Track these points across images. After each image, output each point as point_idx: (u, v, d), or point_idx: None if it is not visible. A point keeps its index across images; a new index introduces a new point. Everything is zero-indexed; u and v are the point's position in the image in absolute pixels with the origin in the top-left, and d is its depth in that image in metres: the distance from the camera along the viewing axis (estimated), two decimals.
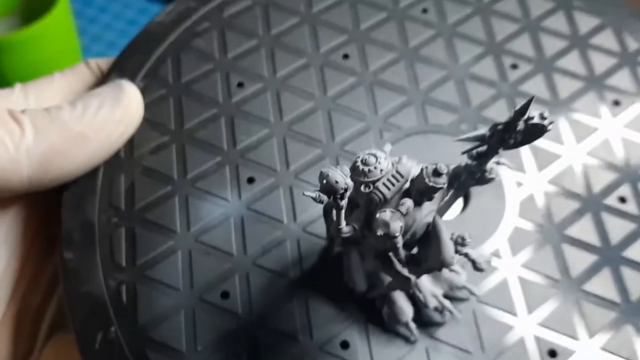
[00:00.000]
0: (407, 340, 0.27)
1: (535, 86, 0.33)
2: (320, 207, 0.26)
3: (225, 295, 0.27)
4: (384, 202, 0.21)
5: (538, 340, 0.27)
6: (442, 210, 0.24)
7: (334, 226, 0.22)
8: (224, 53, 0.33)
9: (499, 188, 0.30)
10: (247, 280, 0.27)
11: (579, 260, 0.28)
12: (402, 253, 0.22)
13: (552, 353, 0.27)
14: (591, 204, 0.30)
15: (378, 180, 0.21)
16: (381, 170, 0.21)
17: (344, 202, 0.21)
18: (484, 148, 0.22)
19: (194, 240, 0.28)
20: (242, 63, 0.32)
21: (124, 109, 0.28)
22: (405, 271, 0.23)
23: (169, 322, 0.26)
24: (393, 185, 0.21)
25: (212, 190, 0.29)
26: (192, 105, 0.31)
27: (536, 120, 0.20)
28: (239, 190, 0.29)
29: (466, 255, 0.24)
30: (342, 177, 0.20)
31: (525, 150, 0.31)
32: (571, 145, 0.31)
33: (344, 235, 0.22)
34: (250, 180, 0.30)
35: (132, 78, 0.31)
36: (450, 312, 0.26)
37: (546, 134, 0.20)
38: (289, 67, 0.32)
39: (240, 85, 0.32)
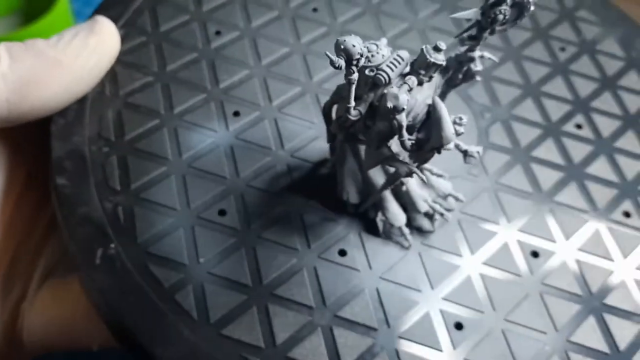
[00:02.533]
0: (402, 246, 0.28)
1: None
2: (306, 134, 0.27)
3: (222, 212, 0.28)
4: (389, 84, 0.23)
5: (521, 243, 0.29)
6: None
7: (343, 108, 0.23)
8: (199, 6, 0.34)
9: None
10: (242, 200, 0.28)
11: (549, 177, 0.31)
12: (406, 135, 0.24)
13: (535, 254, 0.28)
14: (551, 130, 0.32)
15: (381, 64, 0.23)
16: (383, 56, 0.23)
17: (355, 76, 0.22)
18: (474, 32, 0.24)
19: (187, 166, 0.29)
20: (217, 14, 0.34)
21: (97, 37, 0.29)
22: (407, 158, 0.24)
23: (169, 238, 0.27)
24: (396, 67, 0.23)
25: (199, 123, 0.30)
26: (173, 51, 0.32)
27: None
28: (225, 122, 0.30)
29: (457, 146, 0.26)
30: (358, 42, 0.22)
31: None
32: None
33: (352, 117, 0.24)
34: (236, 114, 0.30)
35: None
36: (441, 214, 0.28)
37: None
38: (263, 19, 0.34)
39: (217, 33, 0.33)
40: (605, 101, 0.34)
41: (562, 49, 0.36)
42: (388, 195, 0.27)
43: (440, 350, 0.26)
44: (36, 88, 0.27)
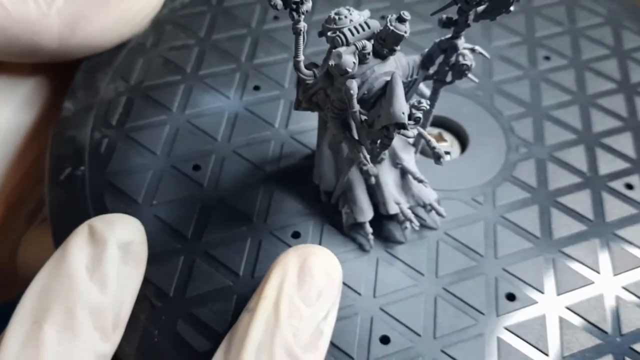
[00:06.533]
0: (361, 247, 0.25)
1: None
2: (314, 121, 0.26)
3: (197, 167, 0.27)
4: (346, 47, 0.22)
5: (498, 282, 0.25)
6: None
7: (294, 61, 0.22)
8: None
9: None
10: (221, 162, 0.28)
11: (566, 226, 0.27)
12: (357, 106, 0.22)
13: (511, 297, 0.25)
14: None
15: (343, 27, 0.22)
16: (350, 21, 0.22)
17: (301, 25, 0.21)
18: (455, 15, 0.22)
19: (185, 120, 0.29)
20: None
21: None
22: (360, 133, 0.23)
23: (135, 176, 0.27)
24: (358, 32, 0.22)
25: (217, 87, 0.30)
26: (225, 23, 0.33)
27: None
28: (242, 92, 0.30)
29: (428, 143, 0.23)
30: None
31: None
32: None
33: (302, 75, 0.22)
34: (256, 88, 0.30)
35: None
36: (411, 221, 0.25)
37: None
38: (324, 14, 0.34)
39: (275, 18, 0.33)
40: None
41: None
42: (359, 188, 0.25)
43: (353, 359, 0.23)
44: (86, 24, 0.29)
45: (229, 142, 0.28)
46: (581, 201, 0.27)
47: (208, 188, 0.27)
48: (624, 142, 0.30)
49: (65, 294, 0.21)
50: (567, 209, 0.27)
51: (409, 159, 0.26)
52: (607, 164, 0.29)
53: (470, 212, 0.27)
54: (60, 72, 0.31)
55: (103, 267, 0.22)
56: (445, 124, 0.30)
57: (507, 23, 0.34)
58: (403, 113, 0.21)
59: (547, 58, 0.33)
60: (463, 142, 0.30)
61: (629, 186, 0.28)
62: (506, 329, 0.24)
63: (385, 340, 0.23)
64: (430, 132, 0.30)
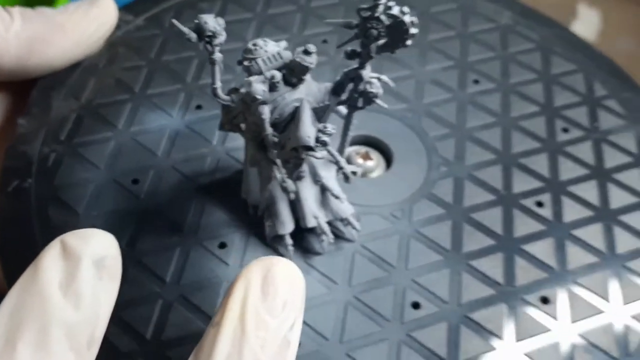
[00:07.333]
0: (282, 257, 0.28)
1: None
2: None
3: (135, 181, 0.30)
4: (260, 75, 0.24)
5: (406, 293, 0.27)
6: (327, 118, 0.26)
7: (212, 88, 0.25)
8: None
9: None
10: (160, 177, 0.30)
11: (477, 242, 0.29)
12: (270, 129, 0.24)
13: (416, 305, 0.27)
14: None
15: (257, 58, 0.24)
16: (265, 52, 0.24)
17: (216, 56, 0.24)
18: (358, 47, 0.24)
19: (129, 137, 0.31)
20: (232, 27, 0.37)
21: (98, 9, 0.33)
22: (273, 153, 0.25)
23: (77, 189, 0.29)
24: (271, 62, 0.24)
25: (162, 106, 0.33)
26: (175, 46, 0.35)
27: (395, 12, 0.22)
28: (185, 111, 0.32)
29: (337, 163, 0.26)
30: (213, 21, 0.23)
31: None
32: None
33: (220, 101, 0.25)
34: (199, 107, 0.33)
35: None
36: (326, 234, 0.27)
37: None
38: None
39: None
40: (587, 190, 0.31)
41: (565, 130, 0.33)
42: (281, 202, 0.28)
43: None
44: (42, 47, 0.32)
45: (168, 157, 0.31)
46: (492, 217, 0.30)
47: (145, 200, 0.29)
48: (540, 163, 0.32)
49: (38, 312, 0.20)
50: (478, 225, 0.29)
51: (329, 176, 0.28)
52: (521, 183, 0.31)
53: (388, 226, 0.29)
54: (17, 90, 0.33)
55: (77, 284, 0.21)
56: (372, 143, 0.32)
57: (442, 48, 0.37)
58: (309, 137, 0.23)
59: (476, 81, 0.35)
60: (388, 161, 0.32)
61: (539, 204, 0.30)
62: (408, 335, 0.26)
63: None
64: (358, 151, 0.32)
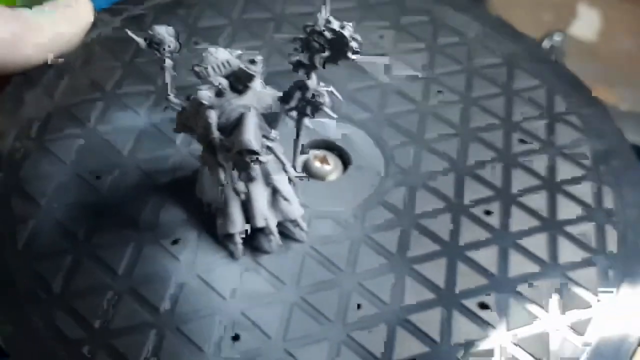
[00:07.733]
0: (231, 255, 0.29)
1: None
2: None
3: (98, 177, 0.31)
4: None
5: (352, 295, 0.28)
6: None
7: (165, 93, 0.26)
8: (195, 22, 0.38)
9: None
10: (124, 174, 0.31)
11: (422, 247, 0.30)
12: (217, 133, 0.25)
13: (359, 307, 0.28)
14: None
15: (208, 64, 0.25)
16: (216, 59, 0.25)
17: (167, 64, 0.25)
18: (304, 59, 0.25)
19: (98, 135, 0.32)
20: (206, 32, 0.38)
21: (73, 9, 0.34)
22: (220, 156, 0.26)
23: (42, 182, 0.30)
24: (220, 70, 0.25)
25: (132, 106, 0.34)
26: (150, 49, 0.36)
27: (334, 26, 0.23)
28: (154, 112, 0.34)
29: (284, 168, 0.27)
30: (163, 30, 0.24)
31: None
32: None
33: (172, 105, 0.26)
34: (167, 108, 0.34)
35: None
36: (273, 235, 0.28)
37: None
38: (246, 44, 0.37)
39: (195, 43, 0.37)
40: (536, 200, 0.32)
41: (522, 141, 0.34)
42: (233, 201, 0.29)
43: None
44: (17, 46, 0.33)
45: (133, 155, 0.32)
46: (440, 224, 0.31)
47: (106, 196, 0.30)
48: (494, 173, 0.33)
49: None
50: (426, 231, 0.30)
51: (281, 179, 0.29)
52: (473, 192, 0.32)
53: (339, 230, 0.30)
54: None
55: None
56: (332, 148, 0.33)
57: (409, 60, 0.38)
58: (250, 141, 0.25)
59: (439, 92, 0.36)
60: (346, 166, 0.33)
61: (488, 212, 0.31)
62: (349, 335, 0.27)
63: (236, 338, 0.26)
64: (316, 155, 0.33)
